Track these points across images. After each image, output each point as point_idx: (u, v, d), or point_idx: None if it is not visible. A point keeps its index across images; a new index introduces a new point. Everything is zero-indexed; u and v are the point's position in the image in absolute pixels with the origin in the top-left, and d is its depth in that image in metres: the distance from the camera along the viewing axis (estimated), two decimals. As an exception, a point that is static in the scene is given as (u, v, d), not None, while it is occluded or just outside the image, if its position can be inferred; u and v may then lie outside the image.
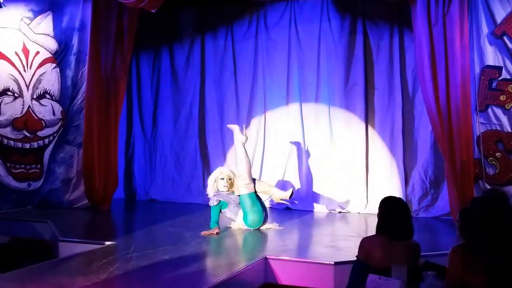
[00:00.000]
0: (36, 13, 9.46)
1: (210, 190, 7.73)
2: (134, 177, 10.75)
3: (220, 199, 7.57)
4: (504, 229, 4.39)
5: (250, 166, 7.82)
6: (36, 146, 9.41)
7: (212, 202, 7.54)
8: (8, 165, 9.38)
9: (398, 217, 4.63)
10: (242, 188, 7.54)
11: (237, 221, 7.61)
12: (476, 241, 4.19)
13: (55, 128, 9.41)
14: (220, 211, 7.61)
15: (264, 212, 7.61)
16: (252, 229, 7.55)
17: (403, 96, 9.23)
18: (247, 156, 7.84)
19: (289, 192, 7.77)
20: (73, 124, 9.36)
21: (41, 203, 9.28)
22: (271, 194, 7.93)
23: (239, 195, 7.58)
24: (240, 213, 7.58)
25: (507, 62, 7.84)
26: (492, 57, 7.90)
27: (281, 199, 7.85)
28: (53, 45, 9.45)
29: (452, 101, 7.72)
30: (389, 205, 4.72)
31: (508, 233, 4.38)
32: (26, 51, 9.42)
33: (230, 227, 7.69)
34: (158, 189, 10.51)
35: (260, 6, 10.03)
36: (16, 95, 9.40)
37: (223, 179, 7.70)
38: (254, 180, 7.75)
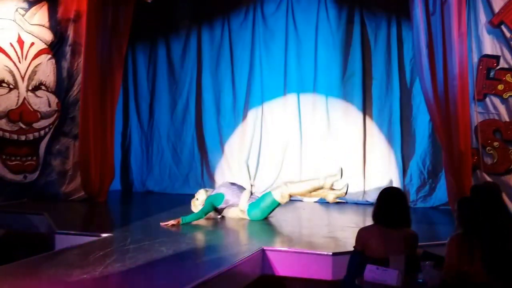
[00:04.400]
0: (31, 4, 9.37)
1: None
2: (130, 169, 10.69)
3: (210, 194, 7.66)
4: (501, 219, 4.40)
5: None
6: (31, 138, 9.34)
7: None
8: (4, 157, 9.32)
9: (394, 206, 4.60)
10: (280, 190, 7.48)
11: (241, 204, 7.56)
12: (473, 230, 4.18)
13: (51, 120, 9.35)
14: (214, 208, 7.59)
15: None
16: (248, 218, 7.57)
17: (401, 86, 9.24)
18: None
19: (344, 189, 7.53)
20: (69, 116, 9.31)
21: (37, 195, 9.21)
22: (325, 196, 7.62)
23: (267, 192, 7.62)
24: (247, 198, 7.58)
25: (505, 51, 7.83)
26: (490, 46, 7.90)
27: (337, 198, 7.59)
28: (48, 36, 9.37)
29: (450, 91, 7.69)
30: (386, 195, 4.70)
31: (504, 223, 4.38)
32: (21, 42, 9.34)
33: (223, 216, 7.71)
34: (155, 181, 10.47)
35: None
36: (11, 86, 9.34)
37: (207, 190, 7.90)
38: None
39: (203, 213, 7.45)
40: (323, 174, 7.74)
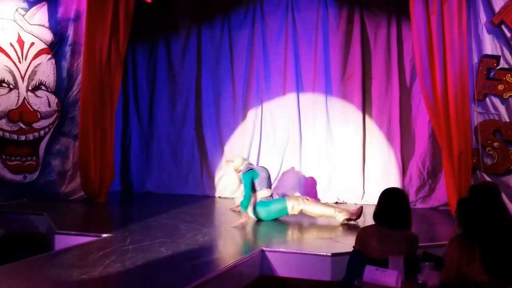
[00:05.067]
0: (31, 4, 9.38)
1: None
2: (130, 169, 10.65)
3: (248, 166, 7.89)
4: (501, 219, 4.40)
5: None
6: (31, 138, 9.35)
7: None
8: (4, 157, 9.33)
9: (395, 207, 4.59)
10: (294, 201, 7.56)
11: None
12: (473, 231, 4.18)
13: (51, 120, 9.35)
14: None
15: None
16: (252, 216, 7.67)
17: (400, 86, 9.21)
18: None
19: (357, 211, 7.49)
20: (68, 116, 9.31)
21: (37, 195, 9.22)
22: (335, 217, 7.50)
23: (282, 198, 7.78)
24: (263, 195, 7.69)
25: (505, 51, 7.82)
26: (490, 46, 7.89)
27: (347, 221, 7.45)
28: (48, 36, 9.38)
29: (449, 91, 7.68)
30: (387, 195, 4.69)
31: (504, 224, 4.38)
32: (21, 42, 9.35)
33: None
34: (154, 181, 10.41)
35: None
36: (11, 86, 9.35)
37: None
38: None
39: (249, 191, 7.60)
40: (342, 207, 7.69)
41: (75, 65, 9.26)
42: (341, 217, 7.39)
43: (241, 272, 5.52)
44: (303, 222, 7.77)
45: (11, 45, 9.34)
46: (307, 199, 7.63)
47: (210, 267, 5.30)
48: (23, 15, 9.36)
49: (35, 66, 9.36)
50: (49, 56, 9.37)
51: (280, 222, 7.62)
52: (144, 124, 10.62)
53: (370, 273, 4.22)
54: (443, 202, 8.56)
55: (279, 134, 9.84)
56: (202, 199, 9.64)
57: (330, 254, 5.71)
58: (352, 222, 7.38)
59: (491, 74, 7.88)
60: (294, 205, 7.48)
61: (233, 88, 10.12)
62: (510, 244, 4.17)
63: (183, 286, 4.65)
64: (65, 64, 9.31)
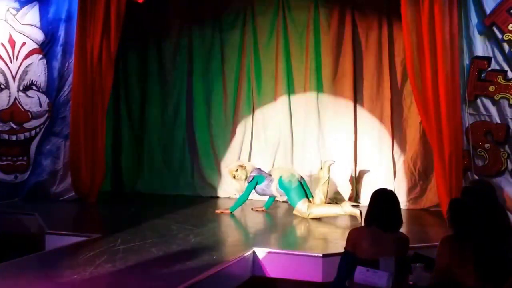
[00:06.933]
0: (23, 4, 9.37)
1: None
2: (121, 170, 10.62)
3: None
4: (493, 221, 4.40)
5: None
6: (22, 138, 9.33)
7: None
8: (-5, 157, 9.32)
9: (387, 208, 4.60)
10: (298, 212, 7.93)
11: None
12: (464, 232, 4.19)
13: (42, 120, 9.33)
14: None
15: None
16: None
17: (391, 87, 9.21)
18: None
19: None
20: (59, 116, 9.29)
21: (28, 196, 9.21)
22: (343, 208, 7.77)
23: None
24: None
25: (496, 53, 7.81)
26: (481, 47, 7.87)
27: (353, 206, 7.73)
28: (39, 36, 9.37)
29: (441, 92, 7.68)
30: (379, 196, 4.69)
31: (497, 224, 4.39)
32: (12, 42, 9.33)
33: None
34: (145, 182, 10.38)
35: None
36: (2, 86, 9.32)
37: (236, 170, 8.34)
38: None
39: (247, 196, 8.29)
40: (346, 206, 7.74)
41: (66, 65, 9.24)
42: (347, 205, 7.65)
43: (233, 272, 5.52)
44: (295, 223, 7.78)
45: (2, 45, 9.33)
46: (315, 207, 7.90)
47: (201, 268, 5.29)
48: (14, 15, 9.34)
49: (26, 66, 9.34)
50: (40, 56, 9.36)
51: (272, 223, 7.63)
52: (135, 124, 10.59)
53: (361, 274, 4.23)
54: (434, 203, 8.57)
55: (271, 134, 9.83)
56: (193, 200, 9.62)
57: (321, 255, 5.72)
58: (357, 212, 7.49)
59: (482, 75, 7.87)
60: (303, 213, 7.79)
61: (224, 88, 10.10)
62: (502, 246, 4.18)
63: (175, 287, 4.64)
64: (56, 64, 9.30)
